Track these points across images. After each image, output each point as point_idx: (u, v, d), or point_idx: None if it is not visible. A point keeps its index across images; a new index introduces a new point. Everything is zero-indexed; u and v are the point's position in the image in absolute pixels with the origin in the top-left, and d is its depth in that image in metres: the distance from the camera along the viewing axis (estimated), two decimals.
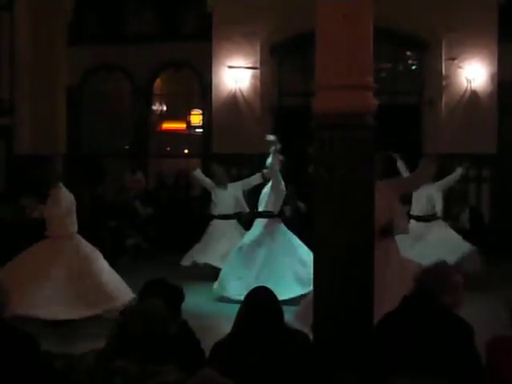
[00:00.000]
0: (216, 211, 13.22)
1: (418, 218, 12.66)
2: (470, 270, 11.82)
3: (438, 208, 12.67)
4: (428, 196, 12.55)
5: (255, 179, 13.14)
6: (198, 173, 13.55)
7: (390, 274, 7.22)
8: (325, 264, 5.18)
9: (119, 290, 9.73)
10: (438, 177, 12.66)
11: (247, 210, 13.29)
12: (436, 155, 9.03)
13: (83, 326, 9.20)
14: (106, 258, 10.04)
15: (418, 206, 12.65)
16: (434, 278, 4.58)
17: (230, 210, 13.21)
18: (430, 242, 12.18)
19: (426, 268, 4.74)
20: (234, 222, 13.30)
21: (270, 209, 11.64)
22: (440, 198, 12.67)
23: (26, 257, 9.81)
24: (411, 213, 12.74)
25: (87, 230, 10.36)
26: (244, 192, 13.39)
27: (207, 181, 13.39)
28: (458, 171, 12.75)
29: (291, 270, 11.21)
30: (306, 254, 10.91)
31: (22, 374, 4.19)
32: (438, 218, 12.69)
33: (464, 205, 14.44)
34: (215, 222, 13.23)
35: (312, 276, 10.41)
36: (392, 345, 4.42)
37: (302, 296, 9.78)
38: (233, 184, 13.33)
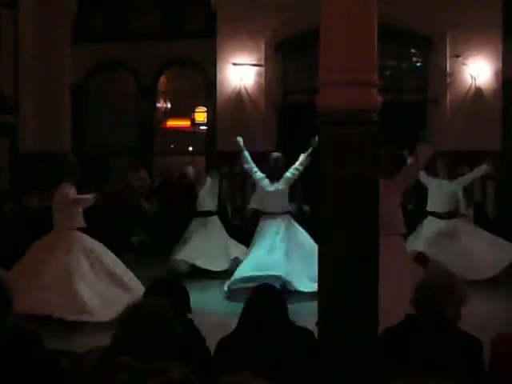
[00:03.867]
0: (200, 208, 13.43)
1: (439, 216, 12.63)
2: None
3: (461, 205, 12.64)
4: (451, 193, 12.53)
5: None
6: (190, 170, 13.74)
7: (394, 271, 7.24)
8: (330, 261, 5.18)
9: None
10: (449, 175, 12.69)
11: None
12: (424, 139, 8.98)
13: (86, 323, 9.20)
14: None
15: (439, 202, 12.59)
16: (438, 290, 4.44)
17: (213, 207, 13.38)
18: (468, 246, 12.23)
19: (429, 279, 4.66)
20: (215, 218, 13.48)
21: (255, 206, 11.98)
22: (461, 195, 12.65)
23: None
24: (428, 209, 12.74)
25: (93, 227, 10.37)
26: (222, 191, 13.78)
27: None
28: (483, 167, 12.63)
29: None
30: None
31: (28, 372, 4.20)
32: (459, 216, 12.68)
33: (469, 202, 14.41)
34: (198, 219, 13.40)
35: None
36: (394, 363, 4.37)
37: None
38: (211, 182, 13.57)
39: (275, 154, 11.85)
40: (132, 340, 3.77)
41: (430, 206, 12.74)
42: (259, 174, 11.66)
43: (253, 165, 11.68)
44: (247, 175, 12.10)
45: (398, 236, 8.13)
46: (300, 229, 11.71)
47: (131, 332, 3.81)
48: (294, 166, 11.53)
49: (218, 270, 12.61)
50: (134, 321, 3.85)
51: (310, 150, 11.28)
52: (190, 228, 13.42)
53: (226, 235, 13.42)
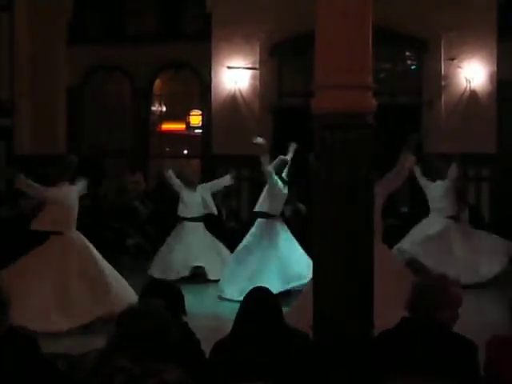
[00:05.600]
0: (185, 213, 13.20)
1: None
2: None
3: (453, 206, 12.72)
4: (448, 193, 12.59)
5: (225, 181, 13.24)
6: (170, 173, 13.37)
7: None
8: (325, 263, 5.19)
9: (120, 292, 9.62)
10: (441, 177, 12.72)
11: (215, 211, 13.37)
12: (413, 145, 9.12)
13: (82, 326, 9.18)
14: (107, 258, 9.99)
15: (442, 204, 12.61)
16: (431, 293, 4.48)
17: (198, 213, 13.21)
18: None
19: (422, 282, 4.67)
20: (201, 224, 13.32)
21: (264, 209, 11.68)
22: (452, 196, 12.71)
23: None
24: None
25: (88, 230, 10.35)
26: (217, 194, 13.51)
27: (176, 182, 13.26)
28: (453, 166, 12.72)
29: (277, 269, 11.23)
30: (298, 255, 11.08)
31: (24, 375, 4.20)
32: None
33: (464, 204, 14.42)
34: (184, 224, 13.23)
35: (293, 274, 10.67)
36: (389, 365, 4.38)
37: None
38: (202, 185, 13.31)
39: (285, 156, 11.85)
40: (128, 342, 3.78)
41: (433, 209, 12.73)
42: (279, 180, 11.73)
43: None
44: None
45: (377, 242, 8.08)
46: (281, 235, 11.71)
47: (128, 334, 3.81)
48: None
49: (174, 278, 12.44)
50: (130, 323, 3.85)
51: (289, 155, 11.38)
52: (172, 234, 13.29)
53: (206, 241, 13.23)
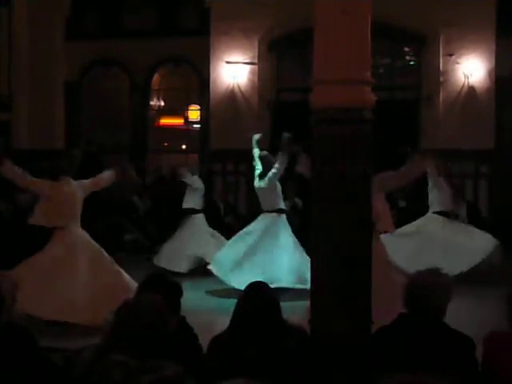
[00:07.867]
0: (194, 205, 13.28)
1: (445, 214, 12.61)
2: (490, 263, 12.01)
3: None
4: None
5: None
6: (184, 170, 13.43)
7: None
8: (323, 260, 5.18)
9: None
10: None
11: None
12: (428, 151, 9.10)
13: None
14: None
15: (447, 201, 12.58)
16: (423, 289, 4.48)
17: (200, 205, 13.31)
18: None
19: (416, 278, 4.66)
20: (202, 216, 13.38)
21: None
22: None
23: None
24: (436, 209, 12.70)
25: (86, 225, 10.29)
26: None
27: (189, 176, 13.35)
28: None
29: (287, 260, 11.24)
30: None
31: (20, 369, 4.20)
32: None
33: (462, 200, 14.41)
34: (193, 217, 13.29)
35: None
36: (387, 362, 4.39)
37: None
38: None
39: (262, 153, 11.79)
40: (125, 337, 3.78)
41: (438, 206, 12.64)
42: (255, 173, 11.71)
43: (255, 163, 11.70)
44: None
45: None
46: (284, 230, 11.68)
47: (125, 329, 3.81)
48: (274, 166, 11.52)
49: (177, 271, 12.34)
50: (127, 318, 3.85)
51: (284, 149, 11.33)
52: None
53: (203, 233, 13.24)
